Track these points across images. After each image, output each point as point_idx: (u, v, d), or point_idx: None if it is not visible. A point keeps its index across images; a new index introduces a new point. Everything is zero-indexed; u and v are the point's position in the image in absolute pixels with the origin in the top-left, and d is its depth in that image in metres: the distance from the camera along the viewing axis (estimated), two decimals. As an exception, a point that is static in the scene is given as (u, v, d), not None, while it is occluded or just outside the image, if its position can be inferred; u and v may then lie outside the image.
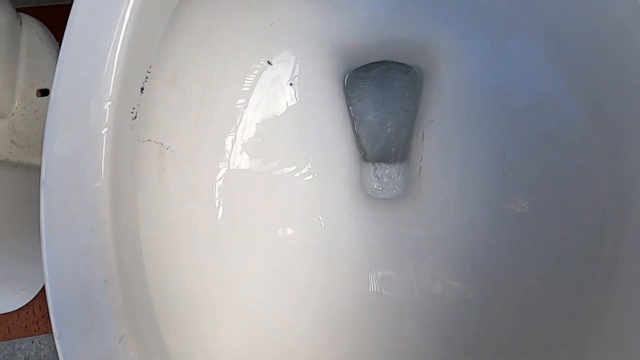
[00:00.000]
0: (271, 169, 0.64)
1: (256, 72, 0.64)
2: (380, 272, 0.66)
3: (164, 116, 0.57)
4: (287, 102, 0.65)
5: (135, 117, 0.45)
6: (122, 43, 0.41)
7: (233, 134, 0.63)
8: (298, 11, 0.65)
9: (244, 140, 0.63)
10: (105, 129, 0.41)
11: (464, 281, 0.62)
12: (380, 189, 0.71)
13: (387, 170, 0.72)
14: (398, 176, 0.71)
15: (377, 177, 0.71)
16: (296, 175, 0.65)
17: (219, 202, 0.61)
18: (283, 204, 0.63)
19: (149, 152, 0.55)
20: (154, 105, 0.55)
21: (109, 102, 0.41)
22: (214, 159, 0.62)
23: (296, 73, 0.66)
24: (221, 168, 0.62)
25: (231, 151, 0.62)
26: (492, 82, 0.63)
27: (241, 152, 0.63)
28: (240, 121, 0.63)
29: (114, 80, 0.42)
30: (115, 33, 0.41)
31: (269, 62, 0.65)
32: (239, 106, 0.62)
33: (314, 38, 0.67)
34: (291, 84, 0.66)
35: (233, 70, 0.62)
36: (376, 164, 0.72)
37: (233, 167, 0.62)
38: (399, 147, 0.75)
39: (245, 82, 0.63)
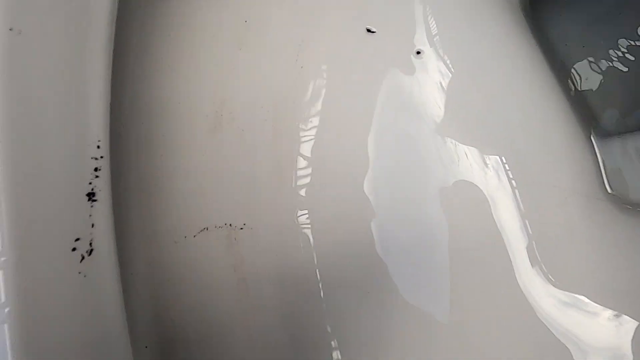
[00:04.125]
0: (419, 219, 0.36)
1: (349, 55, 0.37)
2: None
3: (218, 183, 0.36)
4: (423, 86, 0.37)
5: (91, 250, 0.25)
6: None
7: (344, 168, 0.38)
8: None
9: (364, 178, 0.37)
10: (6, 323, 0.21)
11: None
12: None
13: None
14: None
15: (635, 162, 0.36)
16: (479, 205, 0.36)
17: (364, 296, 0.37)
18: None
19: (207, 249, 0.35)
20: (188, 174, 0.34)
21: (2, 260, 0.22)
22: (326, 220, 0.38)
23: (429, 24, 0.37)
24: (339, 232, 0.38)
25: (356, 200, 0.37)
26: None
27: (367, 193, 0.37)
28: (347, 143, 0.38)
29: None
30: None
31: (368, 30, 0.37)
32: (339, 124, 0.37)
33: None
34: (418, 52, 0.37)
35: (309, 65, 0.37)
36: (629, 136, 0.37)
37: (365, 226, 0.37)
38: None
39: (335, 81, 0.37)
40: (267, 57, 0.37)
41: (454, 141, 0.37)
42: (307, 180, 0.38)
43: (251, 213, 0.37)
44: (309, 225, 0.37)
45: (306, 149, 0.38)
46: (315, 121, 0.38)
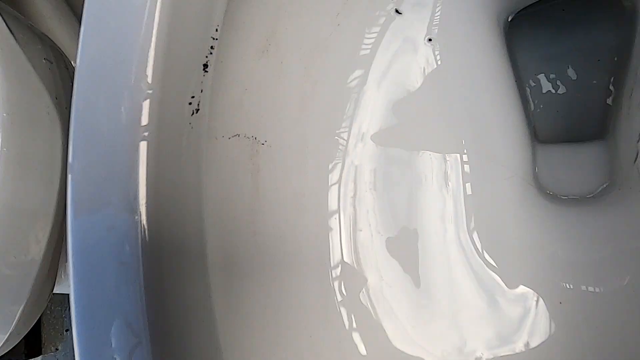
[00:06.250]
0: (406, 164, 0.45)
1: (379, 26, 0.45)
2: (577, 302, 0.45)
3: (254, 100, 0.42)
4: (424, 67, 0.46)
5: (198, 109, 0.30)
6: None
7: (350, 117, 0.45)
8: None
9: (366, 126, 0.45)
10: (145, 141, 0.26)
11: None
12: (568, 183, 0.48)
13: (577, 155, 0.49)
14: (594, 163, 0.48)
15: (561, 165, 0.49)
16: (441, 171, 0.46)
17: (337, 214, 0.45)
18: (426, 215, 0.45)
19: (236, 152, 0.41)
20: (236, 86, 0.39)
21: (149, 92, 0.27)
22: (327, 153, 0.45)
23: (436, 21, 0.46)
24: (337, 164, 0.46)
25: (348, 141, 0.45)
26: None
27: (363, 142, 0.45)
28: (359, 99, 0.46)
29: (154, 57, 0.27)
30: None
31: (397, 11, 0.46)
32: (355, 78, 0.45)
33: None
34: (430, 40, 0.46)
35: (347, 26, 0.44)
36: (558, 147, 0.50)
37: (353, 163, 0.45)
38: (592, 118, 0.52)
39: (365, 42, 0.45)
40: (312, 9, 0.44)
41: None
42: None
43: (272, 133, 0.43)
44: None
45: (329, 90, 0.45)
46: (342, 73, 0.45)
